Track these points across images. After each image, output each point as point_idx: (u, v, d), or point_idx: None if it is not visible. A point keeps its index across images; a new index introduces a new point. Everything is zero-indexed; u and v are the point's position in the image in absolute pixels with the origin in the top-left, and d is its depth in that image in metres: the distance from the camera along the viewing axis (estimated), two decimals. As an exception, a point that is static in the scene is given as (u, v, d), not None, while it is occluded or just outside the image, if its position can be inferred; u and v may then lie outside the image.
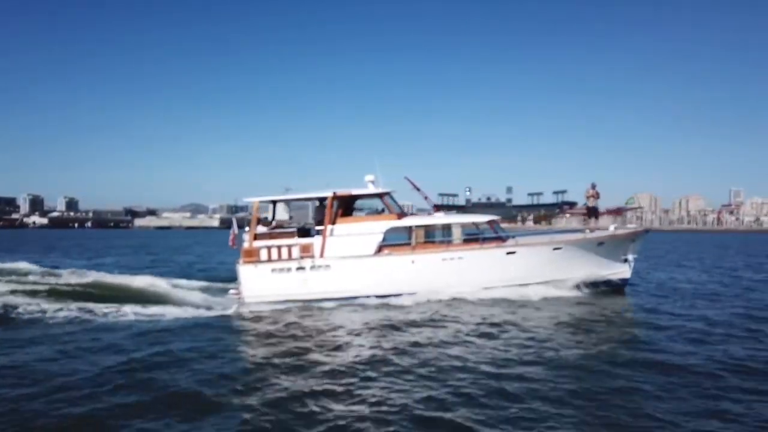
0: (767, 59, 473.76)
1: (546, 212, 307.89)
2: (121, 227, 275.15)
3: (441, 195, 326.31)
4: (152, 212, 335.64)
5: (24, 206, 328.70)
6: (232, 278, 21.31)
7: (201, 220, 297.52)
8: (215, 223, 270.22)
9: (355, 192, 20.69)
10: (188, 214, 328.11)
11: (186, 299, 19.72)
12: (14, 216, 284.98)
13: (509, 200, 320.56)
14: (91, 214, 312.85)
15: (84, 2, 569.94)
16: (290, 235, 20.41)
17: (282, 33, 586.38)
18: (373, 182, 21.23)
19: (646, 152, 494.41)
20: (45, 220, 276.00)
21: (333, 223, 20.29)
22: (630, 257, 21.41)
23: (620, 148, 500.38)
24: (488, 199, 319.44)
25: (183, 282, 23.71)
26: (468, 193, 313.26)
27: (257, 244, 20.20)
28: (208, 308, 18.55)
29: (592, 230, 21.97)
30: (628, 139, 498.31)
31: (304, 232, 21.03)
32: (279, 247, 20.05)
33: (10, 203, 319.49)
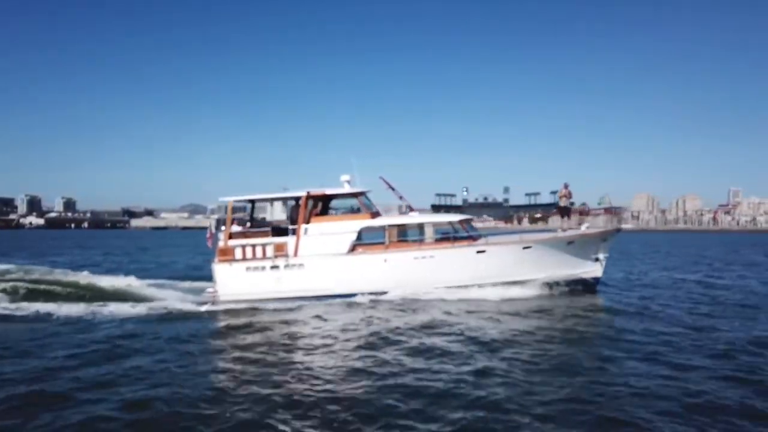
0: (766, 59, 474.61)
1: (543, 212, 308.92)
2: (118, 227, 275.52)
3: (438, 195, 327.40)
4: (150, 213, 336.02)
5: (22, 207, 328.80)
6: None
7: (197, 221, 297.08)
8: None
9: (328, 192, 21.00)
10: (186, 215, 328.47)
11: (161, 297, 20.01)
12: (11, 216, 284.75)
13: (506, 200, 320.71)
14: (88, 215, 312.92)
15: (82, 2, 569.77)
16: (265, 234, 20.74)
17: (282, 33, 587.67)
18: (348, 182, 21.56)
19: (645, 152, 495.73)
20: (41, 221, 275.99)
21: (307, 222, 20.62)
22: (601, 256, 21.70)
23: (619, 147, 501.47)
24: (485, 199, 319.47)
25: (163, 282, 23.97)
26: (465, 193, 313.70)
27: (232, 243, 20.52)
28: (181, 306, 18.79)
29: (564, 230, 22.29)
30: (627, 139, 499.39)
31: (279, 231, 21.32)
32: (253, 246, 20.37)
33: (8, 204, 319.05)
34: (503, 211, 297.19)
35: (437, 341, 13.53)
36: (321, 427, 8.26)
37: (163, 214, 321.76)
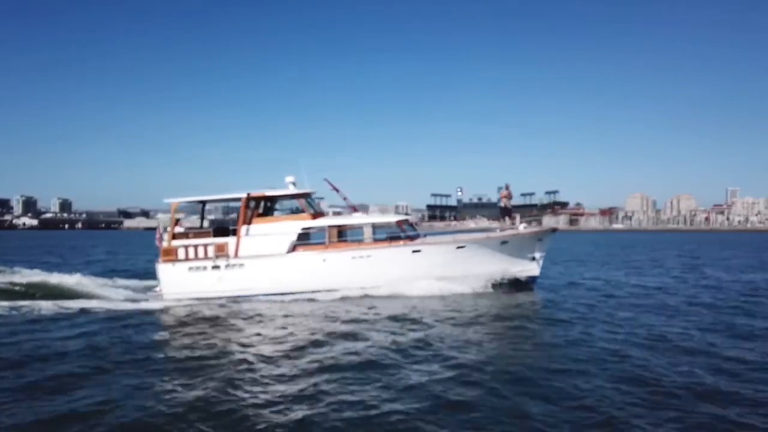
0: (764, 58, 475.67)
1: (538, 212, 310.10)
2: (113, 228, 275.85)
3: (434, 195, 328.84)
4: (146, 213, 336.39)
5: (17, 208, 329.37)
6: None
7: (192, 222, 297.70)
8: (205, 224, 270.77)
9: (268, 193, 21.62)
10: (182, 215, 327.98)
11: (107, 296, 20.60)
12: (6, 217, 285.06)
13: (500, 200, 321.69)
14: (84, 216, 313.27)
15: (80, 2, 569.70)
16: (207, 234, 21.39)
17: (282, 34, 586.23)
18: (294, 183, 22.19)
19: (641, 152, 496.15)
20: (35, 222, 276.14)
21: (249, 223, 21.26)
22: (537, 255, 22.37)
23: (615, 147, 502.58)
24: (479, 199, 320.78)
25: (118, 281, 24.60)
26: (459, 193, 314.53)
27: (175, 243, 21.15)
28: (125, 304, 19.32)
29: (503, 229, 22.95)
30: (623, 139, 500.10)
31: (224, 232, 21.95)
32: (195, 247, 21.00)
33: (4, 204, 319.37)
34: (497, 211, 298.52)
35: (368, 339, 13.76)
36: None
37: (159, 215, 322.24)
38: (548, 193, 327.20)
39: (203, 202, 23.79)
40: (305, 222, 21.19)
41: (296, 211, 22.12)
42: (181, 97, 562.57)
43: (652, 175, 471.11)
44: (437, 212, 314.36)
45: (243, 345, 13.50)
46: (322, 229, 21.20)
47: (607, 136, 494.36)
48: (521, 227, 22.74)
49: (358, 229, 21.50)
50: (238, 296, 20.41)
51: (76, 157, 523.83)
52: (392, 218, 22.24)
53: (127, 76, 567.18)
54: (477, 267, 21.25)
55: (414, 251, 20.97)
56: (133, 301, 20.15)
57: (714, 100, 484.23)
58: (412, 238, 21.63)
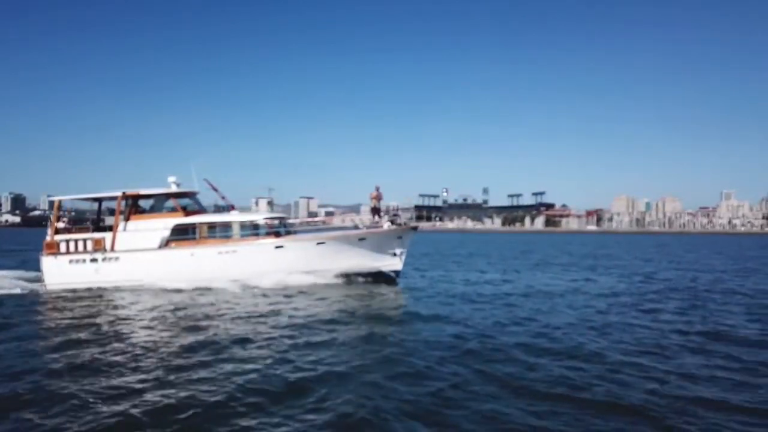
0: (761, 58, 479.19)
1: (523, 213, 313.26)
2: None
3: (422, 195, 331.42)
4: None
5: (6, 204, 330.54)
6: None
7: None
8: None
9: (142, 192, 23.43)
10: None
11: None
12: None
13: (485, 201, 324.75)
14: (73, 214, 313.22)
15: (77, 2, 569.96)
16: (86, 230, 23.26)
17: (282, 34, 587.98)
18: (176, 183, 24.00)
19: (640, 153, 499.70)
20: (17, 219, 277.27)
21: (127, 219, 23.11)
22: (398, 251, 24.23)
23: (602, 149, 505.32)
24: (464, 200, 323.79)
25: (23, 273, 26.29)
26: (445, 194, 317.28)
27: (58, 238, 22.98)
28: (6, 292, 21.02)
29: (368, 228, 24.82)
30: (611, 140, 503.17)
31: (105, 228, 23.80)
32: (76, 241, 22.84)
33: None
34: (482, 211, 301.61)
35: (230, 327, 14.64)
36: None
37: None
38: (535, 194, 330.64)
39: (99, 200, 25.54)
40: (177, 219, 23.01)
41: (183, 209, 23.78)
42: (181, 97, 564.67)
43: (648, 177, 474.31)
44: (424, 212, 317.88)
45: (112, 333, 14.18)
46: (193, 225, 23.03)
47: (602, 138, 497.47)
48: (385, 226, 24.60)
49: (228, 226, 23.29)
50: (114, 286, 22.21)
51: (72, 155, 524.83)
52: (260, 216, 24.05)
53: (126, 75, 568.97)
54: (336, 261, 23.09)
55: (277, 247, 22.80)
56: (16, 288, 21.80)
57: (713, 100, 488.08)
58: (278, 234, 23.46)
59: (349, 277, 23.40)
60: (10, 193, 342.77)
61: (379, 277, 23.97)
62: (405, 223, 25.49)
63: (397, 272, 24.49)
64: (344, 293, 20.73)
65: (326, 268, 23.03)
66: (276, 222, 24.25)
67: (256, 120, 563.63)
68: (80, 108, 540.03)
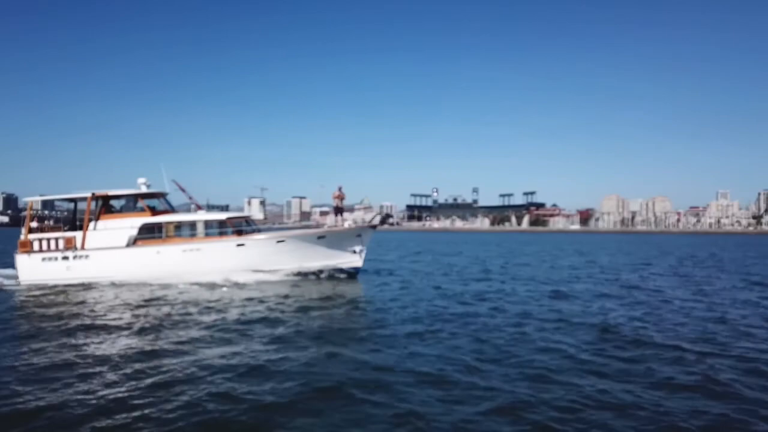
0: (759, 58, 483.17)
1: (512, 212, 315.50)
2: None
3: (413, 195, 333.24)
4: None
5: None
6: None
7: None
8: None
9: (111, 192, 24.65)
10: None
11: None
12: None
13: (475, 201, 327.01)
14: (66, 214, 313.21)
15: (80, 2, 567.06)
16: (58, 229, 24.49)
17: (281, 34, 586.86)
18: (146, 184, 25.22)
19: (635, 153, 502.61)
20: (5, 218, 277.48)
21: (97, 219, 24.33)
22: (358, 249, 25.52)
23: (593, 149, 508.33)
24: (455, 200, 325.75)
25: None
26: (435, 194, 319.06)
27: (31, 236, 24.18)
28: None
29: (332, 226, 26.11)
30: (602, 140, 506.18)
31: (78, 227, 25.00)
32: (48, 240, 24.05)
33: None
34: (472, 211, 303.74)
35: (194, 319, 15.53)
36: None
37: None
38: (526, 194, 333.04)
39: (74, 200, 26.69)
40: (144, 219, 24.24)
41: (141, 209, 24.92)
42: (181, 97, 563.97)
43: (642, 177, 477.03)
44: (415, 212, 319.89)
45: (80, 327, 14.92)
46: (159, 225, 24.27)
47: (595, 138, 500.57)
48: (346, 224, 25.91)
49: (193, 225, 24.51)
50: (85, 283, 23.42)
51: (68, 156, 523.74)
52: (222, 215, 25.29)
53: (125, 75, 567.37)
54: (296, 259, 24.37)
55: (238, 245, 24.05)
56: None
57: (711, 100, 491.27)
58: (241, 233, 24.69)
59: (308, 275, 24.66)
60: (2, 193, 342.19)
61: (339, 274, 25.26)
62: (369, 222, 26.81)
63: (357, 269, 25.77)
64: (301, 290, 21.60)
65: (285, 265, 24.30)
66: (240, 221, 25.48)
67: (249, 120, 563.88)
68: (74, 107, 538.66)
